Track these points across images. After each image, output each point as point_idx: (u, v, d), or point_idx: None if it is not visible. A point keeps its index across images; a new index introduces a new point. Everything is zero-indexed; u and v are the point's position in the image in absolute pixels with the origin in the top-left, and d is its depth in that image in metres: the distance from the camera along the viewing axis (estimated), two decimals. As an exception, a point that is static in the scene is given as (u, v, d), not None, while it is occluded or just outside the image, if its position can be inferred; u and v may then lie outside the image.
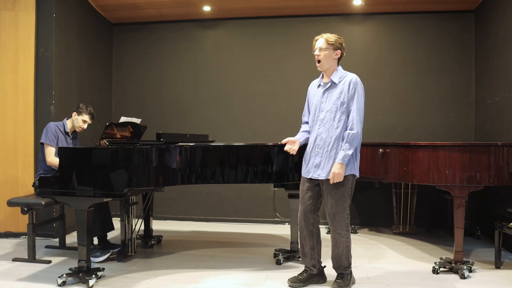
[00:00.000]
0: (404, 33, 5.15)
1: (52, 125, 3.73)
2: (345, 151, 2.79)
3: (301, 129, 3.18)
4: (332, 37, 2.91)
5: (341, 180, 2.80)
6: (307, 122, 3.16)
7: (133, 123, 3.84)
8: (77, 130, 3.83)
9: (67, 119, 3.85)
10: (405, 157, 3.41)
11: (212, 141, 4.42)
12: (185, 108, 5.55)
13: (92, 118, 3.84)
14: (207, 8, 5.21)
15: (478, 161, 3.16)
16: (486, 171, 3.17)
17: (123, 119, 3.73)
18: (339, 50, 2.92)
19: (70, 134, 3.83)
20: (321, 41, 2.92)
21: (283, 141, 3.13)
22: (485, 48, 4.69)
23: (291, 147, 3.08)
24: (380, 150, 3.71)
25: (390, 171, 3.63)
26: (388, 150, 3.64)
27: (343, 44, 2.96)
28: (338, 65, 2.97)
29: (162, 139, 3.48)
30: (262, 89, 5.40)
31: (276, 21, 5.37)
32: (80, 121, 3.78)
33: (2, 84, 4.42)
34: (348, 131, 2.81)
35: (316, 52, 2.93)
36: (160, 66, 5.62)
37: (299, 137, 3.13)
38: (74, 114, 3.79)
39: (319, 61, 2.94)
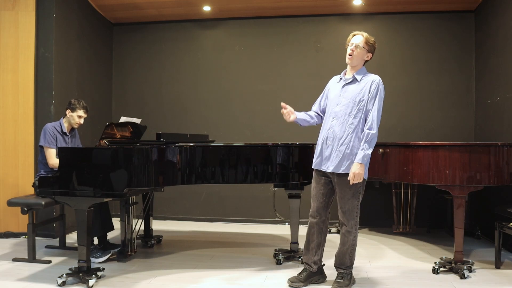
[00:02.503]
0: (404, 33, 5.15)
1: (49, 126, 3.72)
2: (365, 151, 2.78)
3: (308, 112, 3.20)
4: (371, 39, 2.94)
5: (360, 180, 2.79)
6: (315, 112, 3.19)
7: (133, 123, 3.84)
8: (75, 126, 3.81)
9: (63, 118, 3.83)
10: (405, 157, 3.41)
11: (212, 141, 4.43)
12: (185, 108, 5.55)
13: (86, 111, 3.82)
14: (207, 8, 5.21)
15: (478, 161, 3.16)
16: (486, 171, 3.17)
17: (123, 119, 3.73)
18: (371, 54, 2.96)
19: (68, 134, 3.82)
20: (360, 39, 2.92)
21: (283, 104, 3.08)
22: (485, 48, 4.69)
23: (286, 114, 3.06)
24: (380, 150, 3.71)
25: (390, 171, 3.63)
26: (388, 150, 3.64)
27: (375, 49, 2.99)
28: (363, 66, 2.99)
29: (162, 139, 3.47)
30: (262, 89, 5.40)
31: (276, 21, 5.37)
32: (75, 117, 3.76)
33: (2, 84, 4.42)
34: (367, 131, 2.80)
35: (352, 47, 2.92)
36: (160, 66, 5.62)
37: (298, 114, 3.11)
38: (68, 111, 3.77)
39: (350, 55, 2.93)
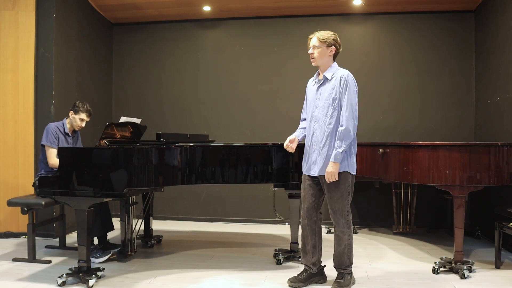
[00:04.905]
0: (404, 33, 5.15)
1: (52, 126, 3.72)
2: (337, 149, 2.80)
3: (299, 126, 3.21)
4: (324, 34, 2.92)
5: (336, 179, 2.80)
6: (305, 119, 3.17)
7: (133, 123, 3.83)
8: (76, 129, 3.82)
9: (66, 118, 3.83)
10: (405, 157, 3.41)
11: (212, 141, 4.42)
12: (185, 108, 5.55)
13: (89, 115, 3.82)
14: (207, 8, 5.21)
15: (478, 161, 3.16)
16: (486, 171, 3.17)
17: (123, 119, 3.73)
18: (333, 47, 2.93)
19: (70, 134, 3.82)
20: (314, 40, 2.95)
21: (286, 142, 3.12)
22: (485, 48, 4.69)
23: (290, 145, 3.10)
24: (380, 150, 3.71)
25: (390, 171, 3.63)
26: (388, 150, 3.64)
27: (338, 40, 2.96)
28: (334, 61, 2.98)
29: (162, 139, 3.47)
30: (262, 89, 5.40)
31: (276, 21, 5.37)
32: (77, 120, 3.76)
33: (2, 84, 4.42)
34: (339, 128, 2.82)
35: (310, 51, 2.95)
36: (160, 66, 5.62)
37: (297, 135, 3.15)
38: (71, 113, 3.77)
39: (312, 58, 2.96)
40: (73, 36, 4.83)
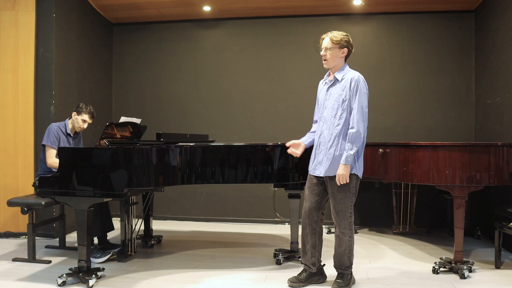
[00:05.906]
0: (404, 33, 5.15)
1: (54, 126, 3.72)
2: (347, 151, 2.78)
3: (310, 130, 3.19)
4: (337, 35, 2.90)
5: (346, 181, 2.79)
6: (316, 121, 3.16)
7: (133, 123, 3.83)
8: (77, 130, 3.82)
9: (69, 119, 3.83)
10: (405, 157, 3.41)
11: (212, 141, 4.43)
12: (185, 108, 5.55)
13: (92, 117, 3.82)
14: (207, 8, 5.21)
15: (478, 161, 3.16)
16: (486, 171, 3.17)
17: (123, 119, 3.73)
18: (345, 48, 2.92)
19: (72, 135, 3.81)
20: (326, 41, 2.93)
21: (288, 144, 3.12)
22: (485, 48, 4.69)
23: (295, 150, 3.08)
24: (380, 150, 3.71)
25: (390, 171, 3.63)
26: (388, 150, 3.64)
27: (350, 41, 2.94)
28: (345, 62, 2.97)
29: (162, 139, 3.48)
30: (262, 89, 5.40)
31: (276, 21, 5.37)
32: (80, 121, 3.76)
33: (2, 84, 4.42)
34: (349, 130, 2.81)
35: (322, 52, 2.94)
36: (160, 66, 5.62)
37: (305, 139, 3.13)
38: (74, 114, 3.77)
39: (325, 60, 2.94)
40: (73, 36, 4.83)
